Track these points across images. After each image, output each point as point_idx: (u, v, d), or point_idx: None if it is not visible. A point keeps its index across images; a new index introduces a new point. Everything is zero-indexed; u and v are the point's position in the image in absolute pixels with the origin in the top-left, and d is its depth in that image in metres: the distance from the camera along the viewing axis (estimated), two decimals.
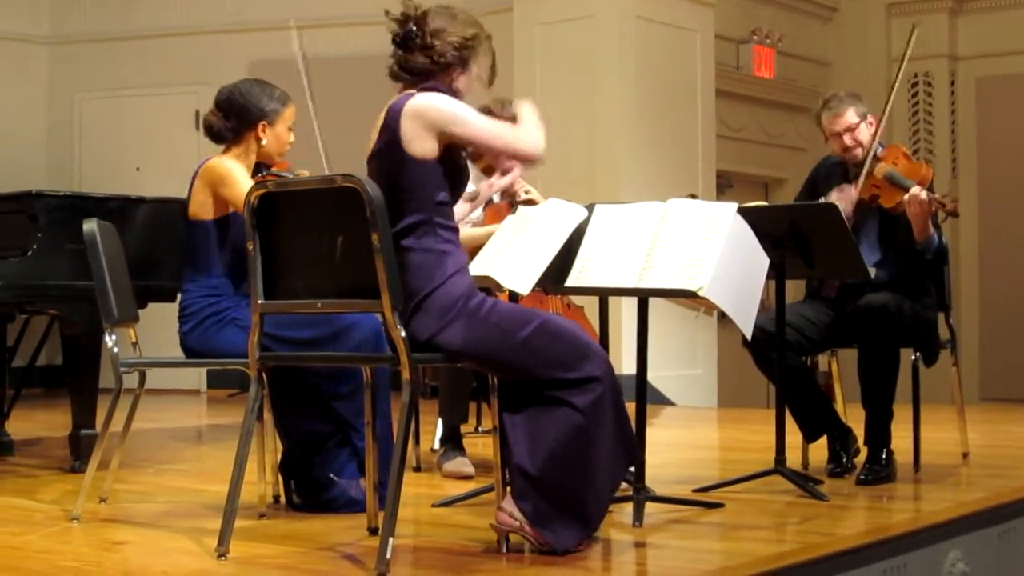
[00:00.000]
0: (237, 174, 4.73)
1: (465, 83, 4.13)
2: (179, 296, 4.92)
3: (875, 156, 5.66)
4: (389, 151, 3.95)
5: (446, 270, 3.92)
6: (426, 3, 4.16)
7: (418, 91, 4.01)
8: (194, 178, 4.82)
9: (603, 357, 3.95)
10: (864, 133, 5.70)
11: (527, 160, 4.08)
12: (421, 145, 3.92)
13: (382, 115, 4.02)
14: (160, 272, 6.28)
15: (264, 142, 4.88)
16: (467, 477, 5.64)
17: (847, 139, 5.69)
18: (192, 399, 11.14)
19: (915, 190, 5.43)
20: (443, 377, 5.98)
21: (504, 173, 4.37)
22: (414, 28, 4.04)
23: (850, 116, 5.69)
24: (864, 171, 5.61)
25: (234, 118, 4.89)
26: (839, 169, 5.81)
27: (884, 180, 5.55)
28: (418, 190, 3.93)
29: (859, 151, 5.69)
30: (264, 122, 4.88)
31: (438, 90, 4.02)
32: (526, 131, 4.07)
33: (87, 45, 12.17)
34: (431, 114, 3.92)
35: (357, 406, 4.60)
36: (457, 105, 3.98)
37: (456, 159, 4.03)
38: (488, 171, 4.37)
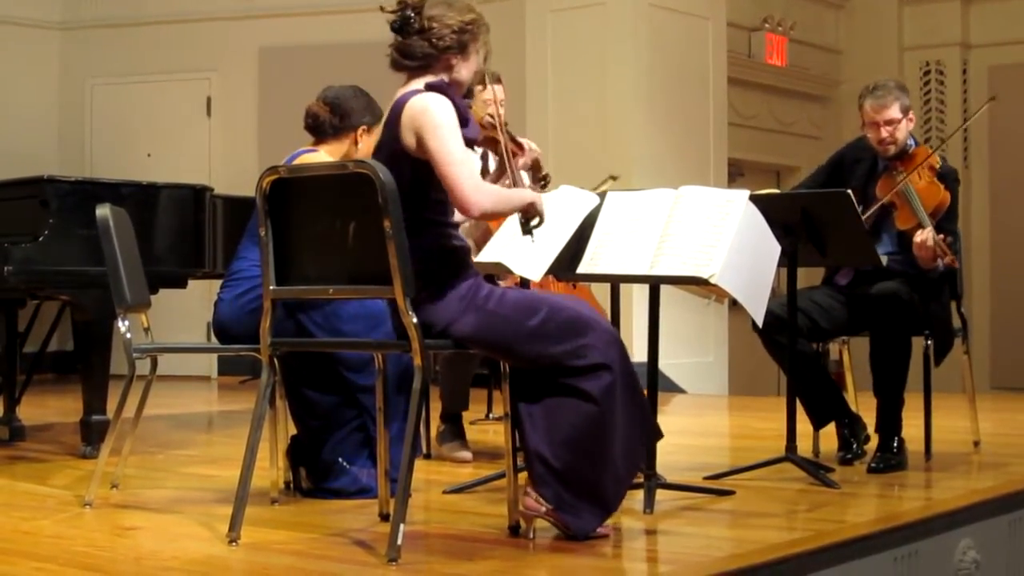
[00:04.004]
0: None
1: (466, 71, 4.07)
2: (231, 265, 4.97)
3: (906, 152, 5.64)
4: (389, 145, 3.94)
5: (451, 265, 3.92)
6: None
7: (425, 87, 3.96)
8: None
9: (614, 341, 3.94)
10: (902, 130, 5.62)
11: (457, 204, 3.87)
12: (412, 142, 3.88)
13: (388, 107, 4.01)
14: (171, 258, 6.29)
15: (360, 146, 4.99)
16: (463, 459, 5.70)
17: (884, 131, 5.60)
18: (203, 385, 11.16)
19: (921, 236, 5.34)
20: (443, 367, 5.98)
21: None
22: (411, 13, 4.00)
23: (894, 110, 5.60)
24: (891, 174, 5.60)
25: (339, 117, 4.99)
26: (869, 155, 5.75)
27: (904, 199, 5.52)
28: (416, 186, 3.88)
29: (892, 147, 5.63)
30: (364, 127, 5.00)
31: (446, 93, 3.94)
32: (487, 188, 3.92)
33: (99, 31, 12.18)
34: (419, 116, 3.86)
35: None
36: (447, 120, 3.85)
37: None
38: (487, 143, 4.39)
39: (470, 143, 4.04)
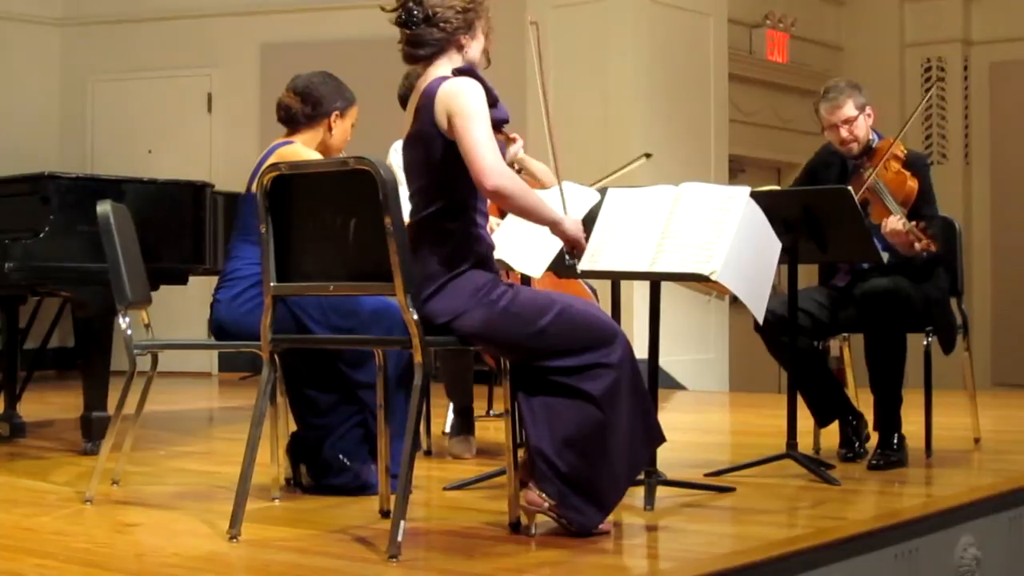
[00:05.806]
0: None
1: (476, 50, 4.08)
2: (226, 264, 4.94)
3: (871, 148, 5.64)
4: (426, 132, 3.94)
5: (475, 256, 3.93)
6: None
7: (454, 73, 3.97)
8: (263, 161, 4.81)
9: (622, 342, 3.94)
10: (861, 127, 5.61)
11: (479, 184, 3.85)
12: (446, 124, 3.89)
13: (416, 97, 4.01)
14: (172, 255, 6.28)
15: (334, 132, 4.99)
16: (463, 458, 5.70)
17: (844, 132, 5.60)
18: (203, 381, 11.16)
19: (890, 223, 5.31)
20: (442, 361, 5.98)
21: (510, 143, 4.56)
22: (413, 5, 4.00)
23: (848, 109, 5.58)
24: (859, 172, 5.59)
25: (311, 105, 4.97)
26: (837, 159, 5.75)
27: (875, 193, 5.50)
28: (455, 171, 3.89)
29: (855, 146, 5.62)
30: (336, 112, 4.99)
31: (475, 76, 3.96)
32: (509, 172, 3.91)
33: (100, 27, 12.17)
34: (452, 98, 3.88)
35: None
36: (478, 105, 3.88)
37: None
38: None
39: (501, 123, 4.06)
